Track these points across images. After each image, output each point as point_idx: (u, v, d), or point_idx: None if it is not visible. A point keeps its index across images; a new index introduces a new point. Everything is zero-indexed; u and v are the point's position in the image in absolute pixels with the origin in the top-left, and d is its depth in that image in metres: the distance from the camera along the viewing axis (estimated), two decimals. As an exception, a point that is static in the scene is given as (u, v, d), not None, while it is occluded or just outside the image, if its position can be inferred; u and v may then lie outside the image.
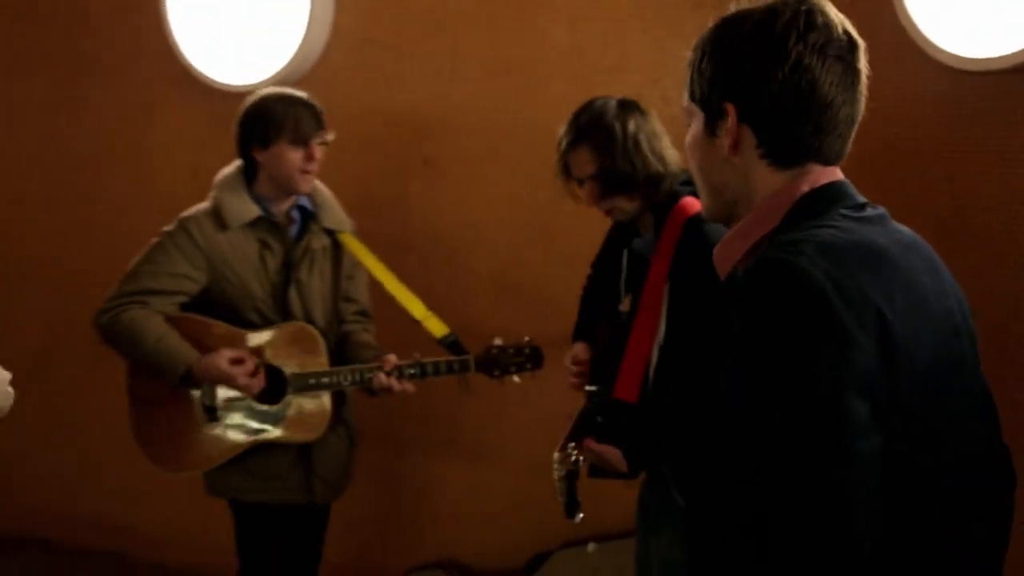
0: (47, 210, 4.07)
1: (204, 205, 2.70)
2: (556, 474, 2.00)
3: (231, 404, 2.69)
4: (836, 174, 1.37)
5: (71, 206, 4.01)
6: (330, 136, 2.69)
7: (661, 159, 2.20)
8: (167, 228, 2.69)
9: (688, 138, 1.42)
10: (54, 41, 3.99)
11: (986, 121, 2.61)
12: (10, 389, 1.92)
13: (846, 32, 1.33)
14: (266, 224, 2.69)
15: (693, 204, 2.16)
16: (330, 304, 2.79)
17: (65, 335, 3.86)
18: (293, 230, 2.74)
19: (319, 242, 2.75)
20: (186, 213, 2.70)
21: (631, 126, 2.19)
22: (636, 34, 3.10)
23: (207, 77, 3.56)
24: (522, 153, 3.22)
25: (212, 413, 2.69)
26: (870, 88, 1.37)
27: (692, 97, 1.40)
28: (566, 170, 2.26)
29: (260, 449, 2.68)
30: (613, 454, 2.08)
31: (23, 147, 4.09)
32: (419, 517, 3.56)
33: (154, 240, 2.69)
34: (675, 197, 2.20)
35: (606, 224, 2.46)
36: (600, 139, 2.18)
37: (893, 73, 2.63)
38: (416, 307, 2.75)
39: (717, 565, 1.29)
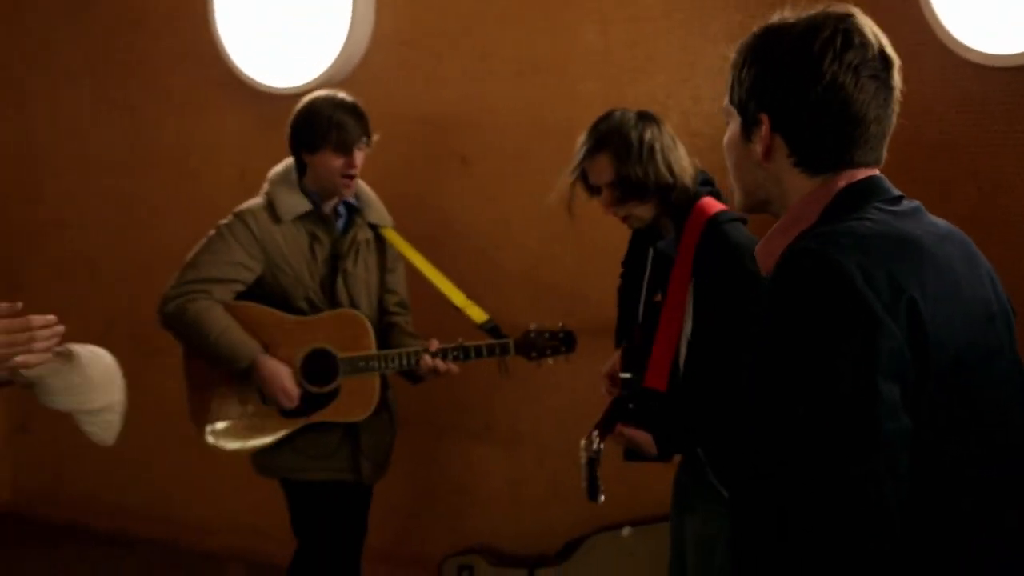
0: (95, 210, 4.15)
1: (257, 199, 2.84)
2: (581, 459, 2.16)
3: None
4: (872, 170, 1.39)
5: (121, 207, 4.10)
6: (374, 138, 2.81)
7: (671, 169, 2.27)
8: (223, 221, 2.83)
9: (726, 137, 1.46)
10: (102, 44, 4.06)
11: (1010, 116, 2.65)
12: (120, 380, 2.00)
13: (882, 50, 1.35)
14: (315, 217, 2.82)
15: (712, 204, 2.26)
16: (375, 294, 2.93)
17: (117, 329, 3.91)
18: (340, 224, 2.88)
19: (364, 235, 2.89)
20: (241, 207, 2.83)
21: (648, 136, 2.27)
22: (664, 34, 3.14)
23: (253, 80, 3.63)
24: (552, 151, 3.22)
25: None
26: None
27: (731, 100, 1.43)
28: (583, 176, 2.34)
29: (308, 429, 2.81)
30: (644, 438, 2.20)
31: (72, 149, 4.17)
32: (456, 503, 3.61)
33: (211, 232, 2.82)
34: (693, 198, 2.28)
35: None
36: (619, 148, 2.26)
37: (916, 68, 2.66)
38: (457, 296, 2.90)
39: (759, 555, 1.27)
